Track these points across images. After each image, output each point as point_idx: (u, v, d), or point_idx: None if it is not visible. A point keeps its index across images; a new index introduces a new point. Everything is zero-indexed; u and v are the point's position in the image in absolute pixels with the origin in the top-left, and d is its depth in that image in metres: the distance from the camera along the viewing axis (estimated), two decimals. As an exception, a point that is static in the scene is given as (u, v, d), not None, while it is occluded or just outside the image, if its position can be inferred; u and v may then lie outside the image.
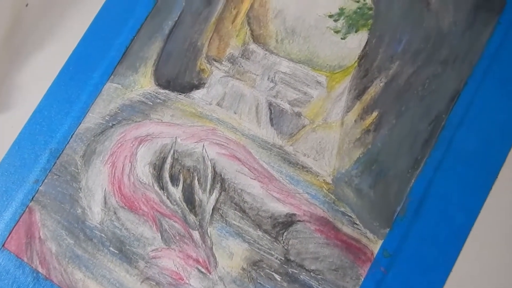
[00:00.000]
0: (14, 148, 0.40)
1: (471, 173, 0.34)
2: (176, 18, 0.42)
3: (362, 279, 0.34)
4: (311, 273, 0.34)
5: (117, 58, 0.42)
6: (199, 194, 0.37)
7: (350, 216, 0.34)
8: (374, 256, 0.34)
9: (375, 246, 0.34)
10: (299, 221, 0.35)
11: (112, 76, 0.41)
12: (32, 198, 0.39)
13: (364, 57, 0.38)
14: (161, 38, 0.41)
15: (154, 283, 0.36)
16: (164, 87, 0.40)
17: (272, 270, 0.35)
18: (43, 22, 0.44)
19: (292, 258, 0.35)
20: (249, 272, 0.35)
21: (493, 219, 0.33)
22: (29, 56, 0.44)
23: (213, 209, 0.37)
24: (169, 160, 0.38)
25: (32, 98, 0.42)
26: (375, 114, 0.37)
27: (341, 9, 0.40)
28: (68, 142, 0.40)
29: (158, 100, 0.40)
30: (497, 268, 0.33)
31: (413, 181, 0.35)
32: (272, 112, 0.38)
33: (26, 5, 0.44)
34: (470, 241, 0.33)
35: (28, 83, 0.43)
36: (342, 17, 0.39)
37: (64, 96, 0.41)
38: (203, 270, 0.36)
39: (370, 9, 0.39)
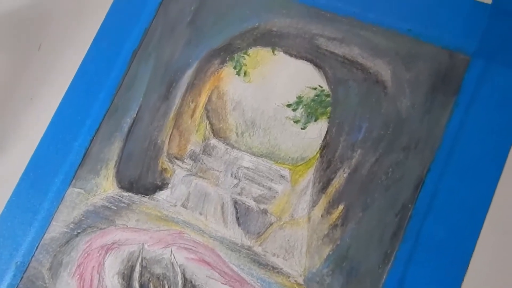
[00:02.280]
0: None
1: (442, 265, 0.34)
2: (135, 115, 0.41)
3: None
4: None
5: (77, 161, 0.41)
6: (171, 303, 0.37)
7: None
8: None
9: None
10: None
11: (73, 181, 0.40)
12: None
13: (325, 147, 0.38)
14: (121, 138, 0.41)
15: None
16: (127, 190, 0.39)
17: None
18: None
19: None
20: None
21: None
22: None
23: (185, 319, 0.36)
24: (137, 269, 0.37)
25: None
26: (341, 207, 0.36)
27: (299, 97, 0.39)
28: (33, 255, 0.39)
29: (122, 204, 0.39)
30: None
31: (384, 277, 0.34)
32: (238, 210, 0.38)
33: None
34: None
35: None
36: (301, 106, 0.39)
37: (26, 205, 0.40)
38: None
39: (327, 95, 0.39)
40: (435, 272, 0.34)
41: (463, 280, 0.34)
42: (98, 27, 0.43)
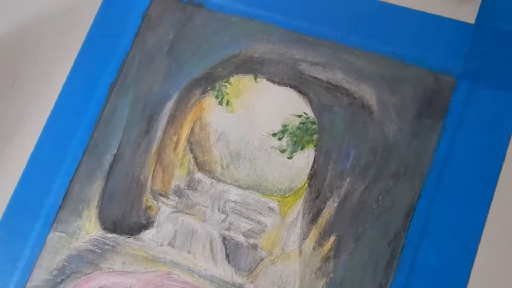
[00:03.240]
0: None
1: None
2: (115, 151, 0.40)
3: None
4: None
5: (57, 204, 0.39)
6: None
7: None
8: None
9: None
10: None
11: (54, 224, 0.39)
12: None
13: (313, 176, 0.37)
14: (102, 176, 0.39)
15: None
16: (111, 231, 0.38)
17: None
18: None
19: None
20: None
21: None
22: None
23: None
24: None
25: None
26: (332, 238, 0.35)
27: (284, 126, 0.38)
28: None
29: (107, 247, 0.38)
30: None
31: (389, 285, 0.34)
32: (227, 247, 0.36)
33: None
34: None
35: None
36: (286, 134, 0.38)
37: (6, 254, 0.38)
38: None
39: (313, 123, 0.38)
40: None
41: None
42: (73, 61, 0.41)
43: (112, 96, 0.41)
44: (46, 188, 0.39)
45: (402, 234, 0.34)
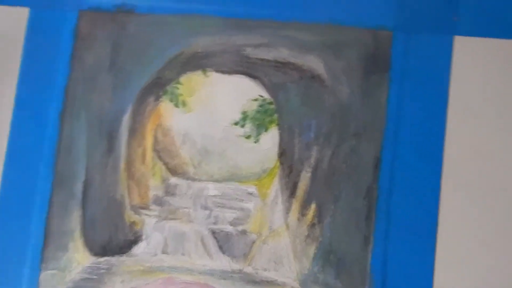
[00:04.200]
0: None
1: (416, 233, 0.36)
2: (84, 178, 0.39)
3: None
4: None
5: (39, 244, 0.38)
6: None
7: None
8: None
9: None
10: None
11: (43, 264, 0.38)
12: None
13: (282, 154, 0.38)
14: (77, 205, 0.38)
15: None
16: (102, 255, 0.38)
17: None
18: None
19: None
20: None
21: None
22: None
23: None
24: None
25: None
26: (313, 206, 0.37)
27: (244, 113, 0.39)
28: None
29: (102, 271, 0.38)
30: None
31: (369, 259, 0.36)
32: (218, 239, 0.38)
33: None
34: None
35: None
36: (247, 120, 0.39)
37: (2, 305, 0.38)
38: None
39: (270, 103, 0.39)
40: (411, 243, 0.37)
41: (436, 242, 0.37)
42: (14, 97, 0.39)
43: (64, 124, 0.40)
44: (24, 232, 0.38)
45: (374, 186, 0.37)
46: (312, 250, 0.37)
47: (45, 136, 0.39)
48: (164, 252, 0.38)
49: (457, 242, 0.36)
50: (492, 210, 0.36)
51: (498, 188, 0.37)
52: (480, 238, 0.36)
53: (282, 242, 0.38)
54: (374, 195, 0.37)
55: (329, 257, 0.37)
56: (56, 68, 0.40)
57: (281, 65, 0.39)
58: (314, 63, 0.38)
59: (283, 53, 0.39)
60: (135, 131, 0.40)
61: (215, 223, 0.38)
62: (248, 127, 0.39)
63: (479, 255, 0.36)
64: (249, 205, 0.38)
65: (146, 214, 0.39)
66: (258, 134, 0.39)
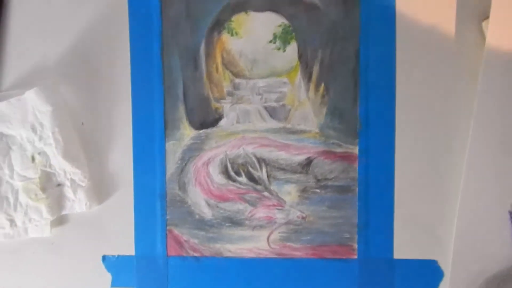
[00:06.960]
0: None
1: (388, 87, 0.61)
2: (182, 86, 0.63)
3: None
4: (331, 180, 0.62)
5: (162, 127, 0.63)
6: (256, 173, 0.62)
7: (338, 142, 0.61)
8: (357, 156, 0.62)
9: (355, 150, 0.62)
10: (313, 158, 0.62)
11: (166, 138, 0.63)
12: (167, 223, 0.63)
13: (301, 56, 0.62)
14: (181, 102, 0.63)
15: (259, 227, 0.62)
16: (201, 128, 0.63)
17: (313, 188, 0.62)
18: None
19: (319, 177, 0.62)
20: (302, 196, 0.62)
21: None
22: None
23: (267, 177, 0.62)
24: (229, 166, 0.62)
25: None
26: (322, 85, 0.62)
27: (274, 34, 0.62)
28: (166, 185, 0.63)
29: (203, 137, 0.63)
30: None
31: (358, 110, 0.61)
32: (269, 111, 0.63)
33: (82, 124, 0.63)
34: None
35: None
36: (277, 39, 0.62)
37: (146, 162, 0.63)
38: (279, 207, 0.62)
39: (289, 26, 0.62)
40: (386, 96, 0.62)
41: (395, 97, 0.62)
42: (128, 46, 0.63)
43: (164, 59, 0.63)
44: (151, 120, 0.63)
45: (356, 68, 0.62)
46: (324, 109, 0.62)
47: (153, 66, 0.63)
48: (238, 122, 0.63)
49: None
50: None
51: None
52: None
53: (307, 108, 0.62)
54: (356, 66, 0.61)
55: (334, 111, 0.62)
56: (151, 21, 0.63)
57: (294, 2, 0.62)
58: (314, -1, 0.62)
59: (294, -5, 0.62)
60: (209, 55, 0.63)
61: (265, 102, 0.63)
62: (278, 43, 0.62)
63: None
64: (285, 89, 0.63)
65: (224, 102, 0.63)
66: (285, 46, 0.62)
